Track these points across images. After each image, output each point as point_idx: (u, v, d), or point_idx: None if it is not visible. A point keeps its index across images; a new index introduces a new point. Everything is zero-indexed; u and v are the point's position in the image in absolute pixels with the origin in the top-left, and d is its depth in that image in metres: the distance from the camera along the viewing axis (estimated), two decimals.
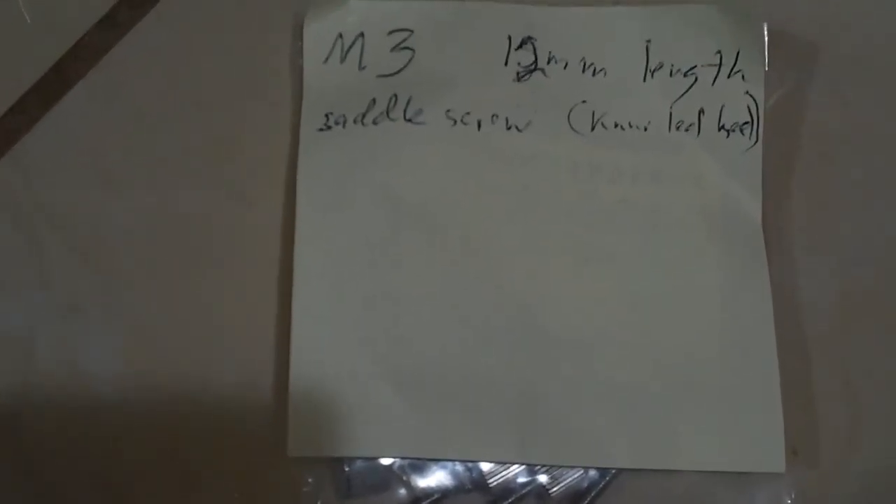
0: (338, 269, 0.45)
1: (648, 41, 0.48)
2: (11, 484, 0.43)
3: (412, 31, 0.48)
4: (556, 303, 0.45)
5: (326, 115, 0.47)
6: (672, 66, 0.48)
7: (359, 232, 0.46)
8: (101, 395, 0.44)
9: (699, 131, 0.48)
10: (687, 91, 0.48)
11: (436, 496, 0.43)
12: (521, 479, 0.43)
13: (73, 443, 0.44)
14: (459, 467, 0.44)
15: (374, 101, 0.47)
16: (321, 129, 0.47)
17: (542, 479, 0.43)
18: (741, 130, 0.47)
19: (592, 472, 0.44)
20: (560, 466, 0.44)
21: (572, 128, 0.47)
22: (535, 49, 0.48)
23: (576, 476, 0.43)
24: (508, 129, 0.47)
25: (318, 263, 0.45)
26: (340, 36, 0.48)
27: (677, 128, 0.48)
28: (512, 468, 0.44)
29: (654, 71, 0.48)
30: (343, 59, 0.48)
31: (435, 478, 0.43)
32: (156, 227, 0.46)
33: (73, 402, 0.44)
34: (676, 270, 0.46)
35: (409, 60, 0.48)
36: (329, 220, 0.46)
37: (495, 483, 0.43)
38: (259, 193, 0.47)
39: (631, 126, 0.48)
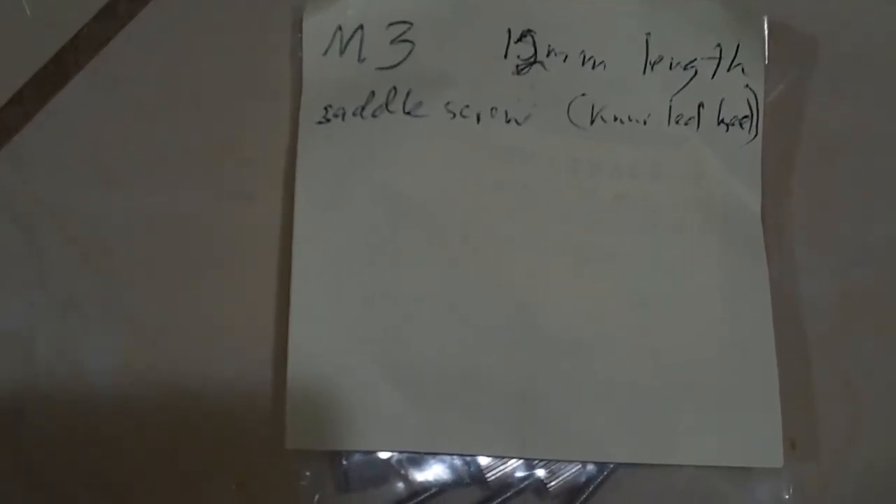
0: (336, 266, 0.45)
1: (648, 34, 0.48)
2: (11, 482, 0.43)
3: (412, 24, 0.48)
4: (556, 300, 0.45)
5: (325, 108, 0.47)
6: (672, 59, 0.48)
7: (357, 229, 0.45)
8: (100, 393, 0.44)
9: (699, 125, 0.47)
10: (687, 84, 0.48)
11: (434, 490, 0.43)
12: (520, 474, 0.43)
13: (73, 440, 0.44)
14: (458, 461, 0.44)
15: (373, 93, 0.47)
16: (320, 122, 0.46)
17: (541, 473, 0.43)
18: (741, 124, 0.47)
19: (590, 467, 0.44)
20: (559, 461, 0.44)
21: (572, 121, 0.47)
22: (534, 42, 0.48)
23: (574, 471, 0.44)
24: (508, 122, 0.47)
25: (316, 260, 0.45)
26: (340, 28, 0.48)
27: (677, 121, 0.48)
28: (510, 463, 0.44)
29: (653, 64, 0.48)
30: (342, 52, 0.48)
31: (433, 472, 0.43)
32: (154, 223, 0.46)
33: (73, 401, 0.44)
34: (676, 267, 0.46)
35: (409, 53, 0.48)
36: (327, 217, 0.45)
37: (493, 477, 0.43)
38: (258, 189, 0.47)
39: (630, 119, 0.47)
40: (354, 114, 0.47)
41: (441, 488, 0.44)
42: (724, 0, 0.48)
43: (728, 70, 0.48)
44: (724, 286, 0.46)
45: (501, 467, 0.43)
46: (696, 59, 0.48)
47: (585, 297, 0.45)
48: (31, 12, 0.48)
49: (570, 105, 0.48)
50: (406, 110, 0.47)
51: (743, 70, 0.48)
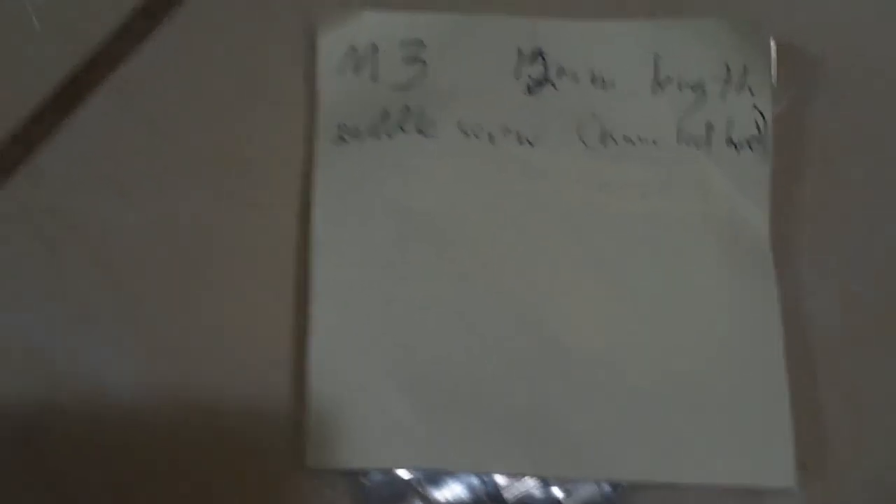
0: (353, 284, 0.45)
1: (657, 55, 0.49)
2: (33, 496, 0.44)
3: (424, 44, 0.49)
4: (566, 317, 0.46)
5: (340, 127, 0.47)
6: (680, 79, 0.49)
7: (372, 246, 0.46)
8: (116, 407, 0.44)
9: (707, 145, 0.48)
10: (695, 105, 0.48)
11: None
12: (536, 493, 0.44)
13: (91, 454, 0.44)
14: (475, 480, 0.44)
15: (387, 113, 0.47)
16: (335, 141, 0.47)
17: (557, 492, 0.44)
18: (749, 144, 0.48)
19: (606, 486, 0.44)
20: (570, 479, 0.44)
21: (582, 141, 0.48)
22: (545, 62, 0.49)
23: (590, 489, 0.44)
24: (520, 142, 0.48)
25: (334, 278, 0.45)
26: (353, 48, 0.48)
27: (686, 142, 0.48)
28: (526, 481, 0.44)
29: (662, 84, 0.49)
30: (356, 71, 0.48)
31: (451, 491, 0.43)
32: (172, 237, 0.47)
33: (89, 414, 0.44)
34: (684, 284, 0.46)
35: (422, 73, 0.48)
36: (343, 234, 0.46)
37: (510, 496, 0.43)
38: (274, 203, 0.47)
39: (640, 140, 0.48)
40: (368, 132, 0.47)
41: None
42: (731, 21, 0.49)
43: (736, 91, 0.48)
44: (733, 305, 0.46)
45: (518, 486, 0.44)
46: (704, 80, 0.49)
47: (595, 312, 0.46)
48: (49, 30, 0.49)
49: (580, 125, 0.48)
50: (419, 130, 0.47)
51: (751, 91, 0.48)
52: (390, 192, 0.47)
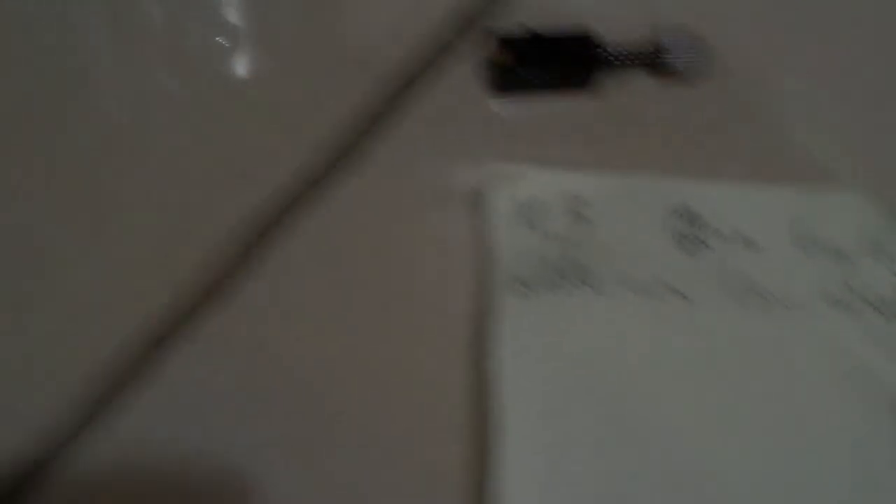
0: (538, 434, 0.47)
1: (799, 220, 0.52)
2: None
3: (587, 202, 0.51)
4: (725, 467, 0.47)
5: (516, 280, 0.49)
6: (821, 244, 0.51)
7: (551, 396, 0.47)
8: None
9: (848, 308, 0.50)
10: (836, 269, 0.51)
11: None
12: None
13: None
14: None
15: (556, 267, 0.50)
16: (513, 294, 0.49)
17: None
18: (889, 309, 0.50)
19: None
20: None
21: (734, 299, 0.50)
22: (698, 223, 0.51)
23: None
24: (678, 299, 0.50)
25: (519, 428, 0.46)
26: (522, 205, 0.51)
27: (828, 304, 0.50)
28: None
29: (804, 248, 0.51)
30: (526, 227, 0.50)
31: None
32: (350, 374, 0.48)
33: None
34: (825, 444, 0.48)
35: (586, 229, 0.51)
36: (524, 384, 0.47)
37: None
38: (445, 347, 0.49)
39: (786, 300, 0.50)
40: (542, 286, 0.49)
41: None
42: (867, 191, 0.52)
43: (874, 258, 0.51)
44: (874, 469, 0.47)
45: None
46: (842, 247, 0.51)
47: (753, 474, 0.47)
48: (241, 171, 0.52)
49: (732, 285, 0.50)
50: (587, 286, 0.49)
51: (888, 257, 0.51)
52: (563, 345, 0.48)
